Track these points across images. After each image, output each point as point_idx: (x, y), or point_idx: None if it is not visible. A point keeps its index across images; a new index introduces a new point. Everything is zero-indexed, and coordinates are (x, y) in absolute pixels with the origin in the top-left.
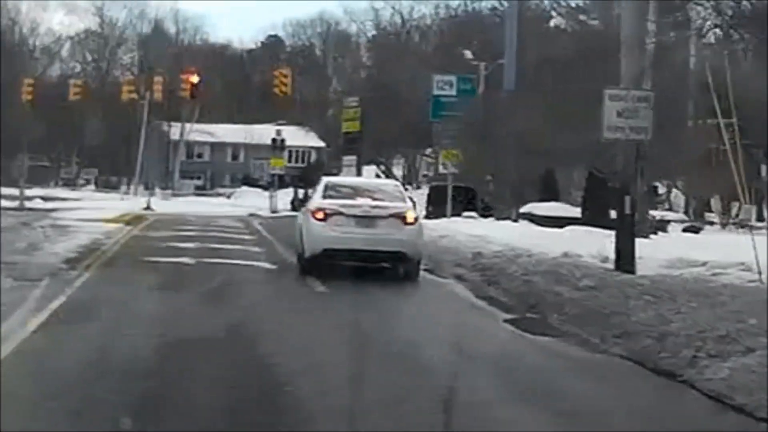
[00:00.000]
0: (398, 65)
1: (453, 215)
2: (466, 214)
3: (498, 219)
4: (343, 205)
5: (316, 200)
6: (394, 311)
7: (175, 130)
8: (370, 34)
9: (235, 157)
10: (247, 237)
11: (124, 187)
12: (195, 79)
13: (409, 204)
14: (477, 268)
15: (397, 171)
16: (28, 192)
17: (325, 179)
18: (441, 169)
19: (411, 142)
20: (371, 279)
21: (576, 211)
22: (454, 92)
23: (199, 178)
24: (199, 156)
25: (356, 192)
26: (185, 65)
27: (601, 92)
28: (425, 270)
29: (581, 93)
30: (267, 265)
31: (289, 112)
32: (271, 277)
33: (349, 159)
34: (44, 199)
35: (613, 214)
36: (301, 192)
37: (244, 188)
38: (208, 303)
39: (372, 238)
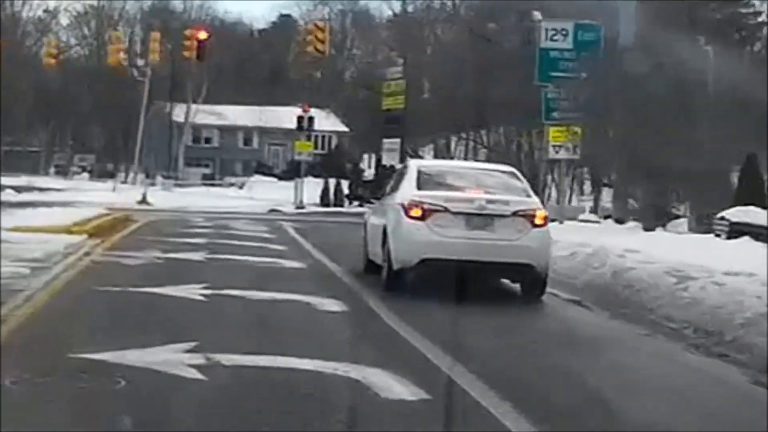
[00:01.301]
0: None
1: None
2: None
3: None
4: (449, 199)
5: (409, 191)
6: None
7: (179, 112)
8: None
9: (247, 142)
10: (290, 264)
11: (122, 176)
12: (203, 35)
13: (536, 199)
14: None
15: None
16: (5, 180)
17: (414, 163)
18: (552, 153)
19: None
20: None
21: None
22: (569, 44)
23: (206, 165)
24: (207, 141)
25: (461, 181)
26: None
27: None
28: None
29: None
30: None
31: (306, 94)
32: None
33: (391, 142)
34: (18, 189)
35: None
36: (332, 182)
37: (258, 177)
38: None
39: (489, 245)
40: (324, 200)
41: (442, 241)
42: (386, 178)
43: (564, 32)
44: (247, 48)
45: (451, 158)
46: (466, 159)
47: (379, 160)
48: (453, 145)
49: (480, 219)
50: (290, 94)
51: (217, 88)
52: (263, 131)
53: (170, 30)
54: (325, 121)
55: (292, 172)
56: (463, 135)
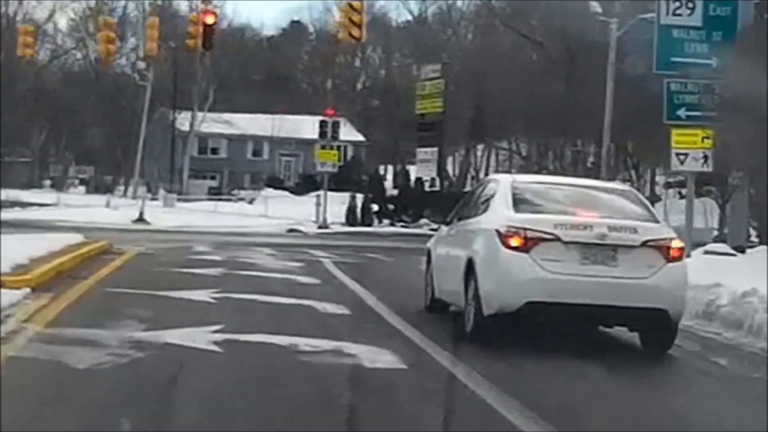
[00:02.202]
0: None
1: None
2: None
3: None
4: (560, 225)
5: (504, 214)
6: None
7: (184, 120)
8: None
9: (257, 153)
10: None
11: (121, 189)
12: (210, 19)
13: (665, 224)
14: None
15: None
16: None
17: (504, 178)
18: (675, 164)
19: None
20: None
21: None
22: (698, 21)
23: (213, 178)
24: (214, 151)
25: (568, 201)
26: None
27: None
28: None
29: None
30: None
31: (318, 102)
32: None
33: (426, 152)
34: None
35: None
36: (359, 198)
37: (269, 191)
38: None
39: (612, 285)
40: (350, 219)
41: (552, 279)
42: (417, 194)
43: (690, 5)
44: (256, 55)
45: (476, 169)
46: (497, 170)
47: (405, 172)
48: (479, 154)
49: (600, 251)
50: (301, 103)
51: (224, 95)
52: (274, 141)
53: (175, 34)
54: (341, 130)
55: (306, 185)
56: (498, 143)
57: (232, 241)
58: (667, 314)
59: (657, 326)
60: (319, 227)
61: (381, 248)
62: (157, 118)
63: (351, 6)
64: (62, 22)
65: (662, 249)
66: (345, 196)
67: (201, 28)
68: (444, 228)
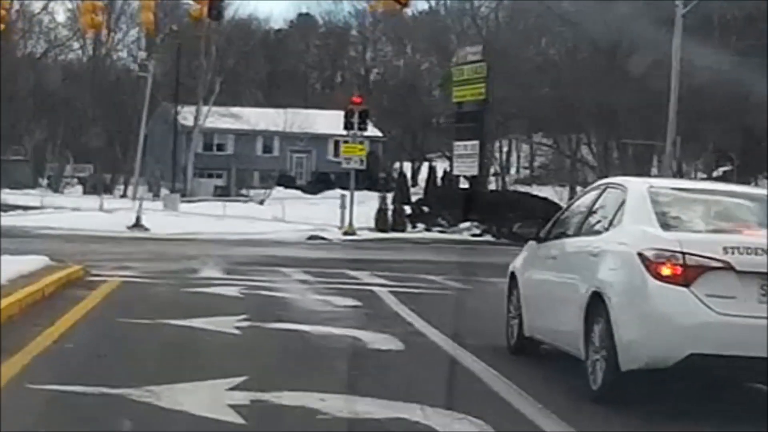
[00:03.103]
0: None
1: None
2: None
3: None
4: (731, 248)
5: (645, 231)
6: None
7: (188, 114)
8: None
9: (267, 150)
10: None
11: (121, 188)
12: None
13: None
14: None
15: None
16: None
17: (636, 183)
18: None
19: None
20: None
21: None
22: None
23: (219, 176)
24: (220, 148)
25: (723, 215)
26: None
27: None
28: None
29: None
30: None
31: (327, 98)
32: None
33: (467, 146)
34: None
35: None
36: (389, 198)
37: (280, 190)
38: None
39: None
40: (380, 223)
41: (726, 322)
42: (451, 193)
43: None
44: (262, 48)
45: (502, 166)
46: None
47: (431, 169)
48: (503, 148)
49: None
50: (309, 98)
51: (230, 89)
52: (285, 137)
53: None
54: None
55: (318, 184)
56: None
57: (246, 256)
58: None
59: None
60: (345, 233)
61: (431, 264)
62: (159, 112)
63: None
64: (60, 15)
65: None
66: (363, 196)
67: None
68: (534, 245)
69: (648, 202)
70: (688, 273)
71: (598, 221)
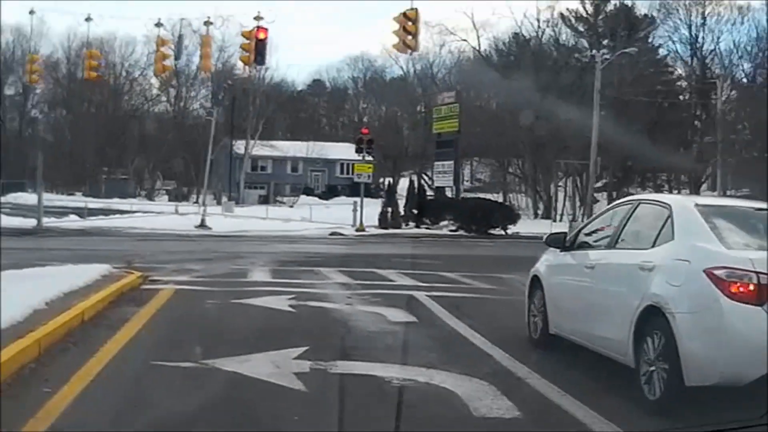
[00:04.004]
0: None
1: None
2: None
3: None
4: None
5: (708, 249)
6: None
7: (241, 146)
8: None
9: (294, 170)
10: None
11: (194, 197)
12: (262, 35)
13: None
14: None
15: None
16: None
17: (680, 201)
18: None
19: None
20: None
21: None
22: None
23: (262, 188)
24: (262, 168)
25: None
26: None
27: None
28: None
29: None
30: None
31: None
32: None
33: (444, 165)
34: (81, 215)
35: None
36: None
37: (304, 197)
38: None
39: None
40: (383, 222)
41: None
42: (427, 200)
43: None
44: (290, 101)
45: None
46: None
47: (411, 182)
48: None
49: None
50: (319, 136)
51: (269, 128)
52: (307, 160)
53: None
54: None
55: (329, 193)
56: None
57: (286, 253)
58: None
59: None
60: (357, 230)
61: (439, 259)
62: (221, 145)
63: (406, 15)
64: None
65: None
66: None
67: (254, 44)
68: (557, 253)
69: (701, 221)
70: (763, 292)
71: (638, 236)
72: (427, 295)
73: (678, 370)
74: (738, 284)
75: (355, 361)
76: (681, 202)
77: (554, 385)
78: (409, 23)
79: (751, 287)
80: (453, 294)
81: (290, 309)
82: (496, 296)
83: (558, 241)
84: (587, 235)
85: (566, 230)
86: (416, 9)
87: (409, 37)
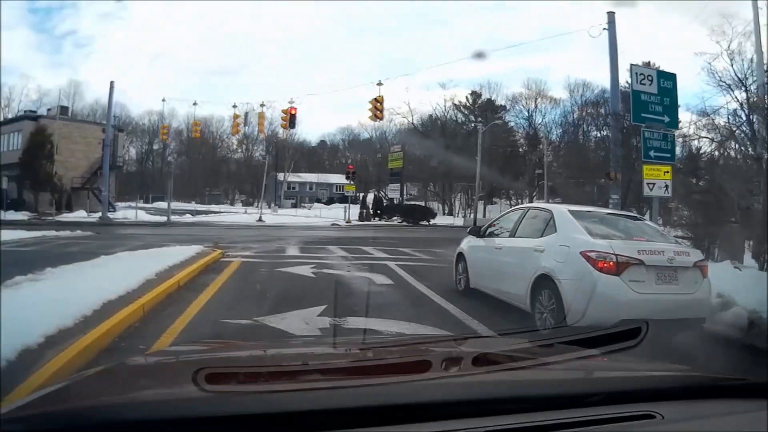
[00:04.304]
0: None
1: None
2: None
3: None
4: (642, 251)
5: (582, 238)
6: None
7: (280, 176)
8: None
9: (310, 189)
10: None
11: (256, 204)
12: (293, 111)
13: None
14: None
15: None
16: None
17: (558, 207)
18: (646, 191)
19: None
20: None
21: None
22: (654, 89)
23: (293, 199)
24: (293, 188)
25: (614, 227)
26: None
27: None
28: None
29: None
30: None
31: (333, 169)
32: None
33: (394, 186)
34: (192, 214)
35: None
36: (363, 206)
37: (316, 204)
38: None
39: (675, 301)
40: (362, 217)
41: (639, 299)
42: (384, 205)
43: (650, 78)
44: (308, 152)
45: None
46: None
47: (375, 195)
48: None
49: (669, 272)
50: (323, 170)
51: (296, 165)
52: (318, 184)
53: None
54: (342, 179)
55: (329, 202)
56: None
57: (307, 236)
58: (704, 322)
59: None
60: (346, 222)
61: (397, 239)
62: (270, 175)
63: (376, 99)
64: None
65: (702, 268)
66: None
67: (288, 117)
68: (473, 239)
69: (573, 219)
70: (619, 267)
71: (530, 229)
72: (396, 264)
73: (563, 314)
74: (604, 262)
75: (358, 317)
76: (558, 208)
77: (467, 314)
78: (378, 104)
79: (611, 264)
80: (410, 263)
81: (313, 275)
82: (435, 264)
83: (476, 231)
84: (493, 228)
85: (471, 224)
86: (382, 95)
87: (378, 112)
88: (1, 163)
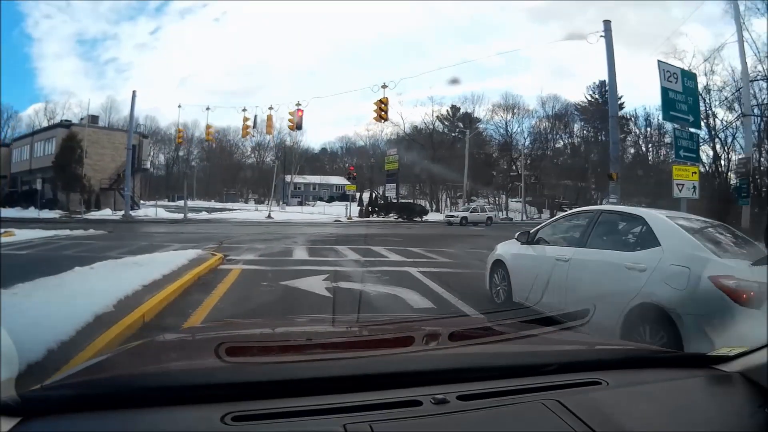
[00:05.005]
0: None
1: None
2: None
3: None
4: None
5: (702, 256)
6: None
7: (288, 177)
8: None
9: (314, 189)
10: None
11: (267, 202)
12: (300, 113)
13: None
14: None
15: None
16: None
17: (652, 213)
18: (675, 192)
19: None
20: None
21: None
22: (680, 87)
23: (299, 197)
24: (299, 188)
25: (715, 239)
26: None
27: None
28: None
29: None
30: None
31: (333, 171)
32: None
33: (390, 186)
34: (208, 212)
35: None
36: (363, 204)
37: (319, 202)
38: None
39: None
40: (362, 213)
41: None
42: (382, 203)
43: (675, 76)
44: (312, 157)
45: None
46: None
47: (373, 193)
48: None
49: None
50: (326, 173)
51: (302, 169)
52: (321, 184)
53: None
54: (342, 180)
55: (330, 200)
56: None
57: (313, 233)
58: None
59: None
60: (347, 219)
61: (401, 237)
62: (279, 177)
63: (381, 101)
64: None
65: None
66: (344, 204)
67: (295, 117)
68: (515, 245)
69: (680, 227)
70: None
71: (611, 240)
72: (418, 272)
73: None
74: (747, 293)
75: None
76: (653, 214)
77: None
78: (383, 105)
79: (753, 294)
80: (433, 269)
81: (327, 293)
82: (458, 269)
83: (524, 237)
84: (545, 234)
85: (528, 229)
86: (387, 97)
87: (383, 113)
88: (36, 166)
